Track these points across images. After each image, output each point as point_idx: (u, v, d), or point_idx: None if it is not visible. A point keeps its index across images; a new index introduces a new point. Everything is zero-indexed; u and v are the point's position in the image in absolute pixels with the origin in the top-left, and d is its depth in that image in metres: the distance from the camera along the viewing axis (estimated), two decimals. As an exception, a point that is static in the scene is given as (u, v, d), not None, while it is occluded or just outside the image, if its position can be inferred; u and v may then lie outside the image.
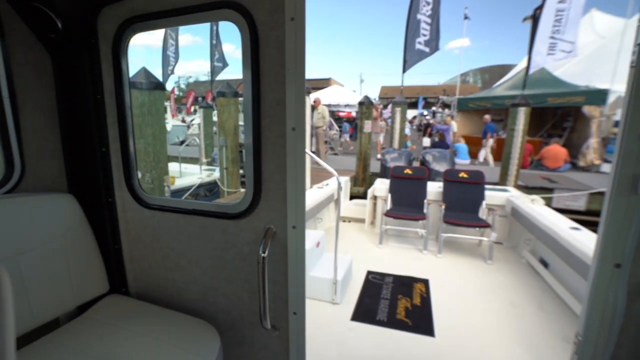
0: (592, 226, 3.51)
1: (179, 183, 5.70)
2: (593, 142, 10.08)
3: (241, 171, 6.33)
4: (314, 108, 9.78)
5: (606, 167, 9.42)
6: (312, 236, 3.41)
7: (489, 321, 2.88)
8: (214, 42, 9.48)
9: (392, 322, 2.85)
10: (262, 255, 1.34)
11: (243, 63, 1.35)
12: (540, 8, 7.31)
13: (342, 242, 4.64)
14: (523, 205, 4.24)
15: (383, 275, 3.69)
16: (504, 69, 27.78)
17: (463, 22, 12.23)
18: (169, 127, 15.53)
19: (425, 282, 3.54)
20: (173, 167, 7.07)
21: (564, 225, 3.46)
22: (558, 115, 12.82)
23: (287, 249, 1.44)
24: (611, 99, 9.57)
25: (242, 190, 6.19)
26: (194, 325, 1.57)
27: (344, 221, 5.53)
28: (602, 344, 1.18)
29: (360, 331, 2.74)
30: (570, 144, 11.06)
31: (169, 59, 10.59)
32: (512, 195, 4.75)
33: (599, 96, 9.75)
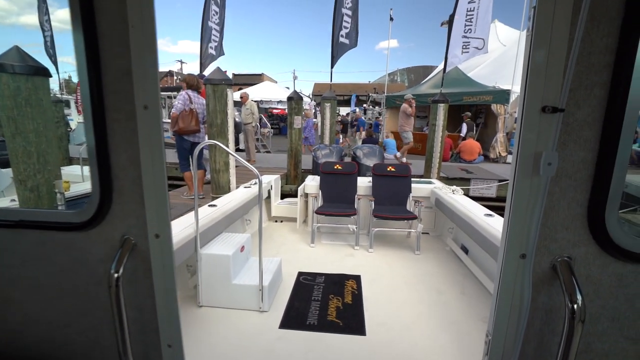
0: (502, 211, 3.83)
1: (80, 188, 4.84)
2: (500, 136, 11.34)
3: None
4: (241, 104, 9.29)
5: (510, 159, 10.66)
6: (236, 240, 3.13)
7: (418, 312, 2.92)
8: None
9: (323, 325, 2.70)
10: (115, 275, 1.05)
11: (72, 21, 1.01)
12: (454, 13, 7.91)
13: (273, 244, 4.40)
14: (445, 196, 4.45)
15: (314, 275, 3.54)
16: (427, 69, 30.13)
17: (389, 24, 12.75)
18: (73, 124, 13.59)
19: (356, 279, 3.48)
20: (75, 170, 6.09)
21: (479, 212, 3.68)
22: (472, 112, 14.19)
23: (151, 264, 1.15)
24: (512, 98, 10.85)
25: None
26: None
27: (276, 221, 5.29)
28: (510, 341, 1.12)
29: (289, 339, 2.55)
30: (482, 139, 12.31)
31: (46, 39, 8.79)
32: (435, 186, 4.97)
33: (502, 96, 11.00)
